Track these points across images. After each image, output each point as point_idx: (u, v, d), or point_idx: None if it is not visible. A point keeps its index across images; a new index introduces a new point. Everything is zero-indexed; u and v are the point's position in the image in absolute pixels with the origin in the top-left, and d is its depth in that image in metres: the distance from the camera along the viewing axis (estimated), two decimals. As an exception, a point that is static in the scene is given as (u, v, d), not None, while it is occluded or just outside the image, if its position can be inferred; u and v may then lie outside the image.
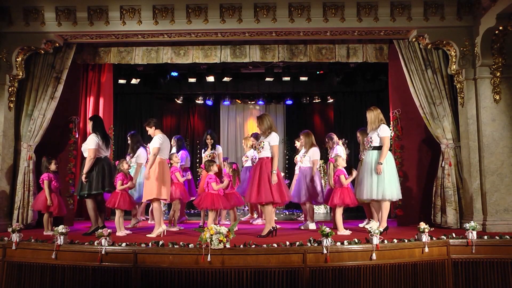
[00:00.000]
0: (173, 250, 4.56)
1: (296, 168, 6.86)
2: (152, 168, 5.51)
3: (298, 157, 6.75)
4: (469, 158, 6.04)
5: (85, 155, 5.78)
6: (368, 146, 5.64)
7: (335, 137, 6.88)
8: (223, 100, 10.96)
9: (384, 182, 5.41)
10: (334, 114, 10.83)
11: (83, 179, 5.55)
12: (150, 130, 5.75)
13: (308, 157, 6.45)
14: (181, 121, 11.52)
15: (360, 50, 6.94)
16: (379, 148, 5.51)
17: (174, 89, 10.26)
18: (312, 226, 6.32)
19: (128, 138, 6.88)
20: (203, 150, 7.26)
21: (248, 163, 7.05)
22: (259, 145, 5.46)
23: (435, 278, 4.87)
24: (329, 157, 6.95)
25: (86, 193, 5.59)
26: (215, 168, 6.00)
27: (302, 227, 6.41)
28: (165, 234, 5.50)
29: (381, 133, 5.51)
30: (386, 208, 5.50)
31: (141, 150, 6.70)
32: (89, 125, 5.86)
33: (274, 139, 5.41)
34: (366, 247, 4.65)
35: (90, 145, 5.63)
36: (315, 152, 6.45)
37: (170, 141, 7.16)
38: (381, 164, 5.39)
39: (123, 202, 5.68)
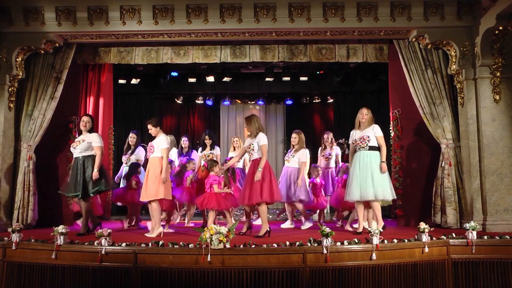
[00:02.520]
0: (173, 250, 4.56)
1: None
2: (154, 169, 5.50)
3: (286, 157, 6.77)
4: (469, 158, 6.04)
5: (74, 150, 5.64)
6: (365, 145, 5.52)
7: (331, 135, 7.03)
8: (223, 100, 10.96)
9: (384, 182, 5.44)
10: (334, 114, 10.85)
11: (96, 176, 5.47)
12: (154, 130, 5.67)
13: (296, 158, 6.48)
14: (181, 121, 11.53)
15: (360, 50, 6.94)
16: (375, 148, 5.49)
17: (174, 89, 10.27)
18: (307, 224, 6.36)
19: (136, 136, 6.99)
20: (199, 150, 7.20)
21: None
22: (249, 148, 5.52)
23: (435, 278, 4.86)
24: (323, 155, 7.01)
25: (103, 188, 5.63)
26: (217, 169, 5.98)
27: (303, 227, 6.43)
28: (161, 235, 5.49)
29: (378, 132, 5.54)
30: (378, 208, 5.49)
31: (140, 149, 6.88)
32: (90, 123, 5.72)
33: (262, 139, 5.48)
34: (366, 247, 4.65)
35: (99, 143, 5.62)
36: (304, 154, 6.52)
37: (179, 142, 7.29)
38: (385, 162, 5.47)
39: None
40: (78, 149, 5.58)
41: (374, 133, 5.53)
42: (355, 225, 6.03)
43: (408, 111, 6.76)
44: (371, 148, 5.50)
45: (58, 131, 6.75)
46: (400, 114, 6.88)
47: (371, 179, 5.40)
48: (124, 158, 7.07)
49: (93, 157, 5.57)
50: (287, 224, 6.62)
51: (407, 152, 6.80)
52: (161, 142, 5.57)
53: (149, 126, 5.67)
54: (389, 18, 6.17)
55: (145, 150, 6.81)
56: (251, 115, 5.78)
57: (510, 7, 5.33)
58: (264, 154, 5.41)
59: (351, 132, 5.74)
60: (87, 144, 5.59)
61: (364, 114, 5.60)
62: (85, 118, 5.72)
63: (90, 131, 5.70)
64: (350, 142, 5.75)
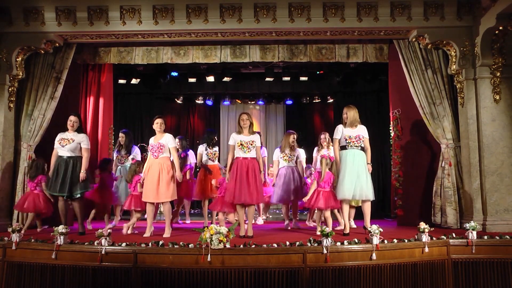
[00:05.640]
0: (173, 250, 4.55)
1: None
2: (168, 169, 5.53)
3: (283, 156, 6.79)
4: (469, 158, 6.04)
5: (62, 148, 5.63)
6: (359, 144, 5.47)
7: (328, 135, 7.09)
8: (223, 100, 10.95)
9: (371, 183, 5.50)
10: (334, 114, 10.83)
11: (84, 177, 5.58)
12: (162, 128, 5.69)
13: (294, 158, 6.65)
14: (181, 121, 11.53)
15: (360, 50, 6.94)
16: (363, 149, 5.50)
17: (174, 89, 10.27)
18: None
19: (124, 135, 6.84)
20: (203, 147, 7.00)
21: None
22: (251, 144, 5.38)
23: (435, 278, 4.86)
24: (322, 155, 7.01)
25: (88, 190, 5.75)
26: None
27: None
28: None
29: (367, 135, 5.55)
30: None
31: (136, 148, 6.89)
32: (77, 123, 5.73)
33: (259, 140, 5.51)
34: (366, 247, 4.65)
35: (88, 145, 5.77)
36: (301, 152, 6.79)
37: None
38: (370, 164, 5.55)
39: None
40: (66, 148, 5.59)
41: (364, 135, 5.53)
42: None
43: (408, 111, 6.76)
44: (362, 148, 5.51)
45: (58, 131, 6.74)
46: (400, 114, 6.88)
47: (367, 179, 5.41)
48: (116, 158, 6.84)
49: (80, 158, 5.64)
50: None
51: (407, 152, 6.80)
52: (170, 141, 5.62)
53: (162, 121, 5.65)
54: (389, 18, 6.17)
55: (140, 149, 6.86)
56: (247, 112, 5.83)
57: (510, 7, 5.33)
58: (261, 156, 5.50)
59: (339, 128, 5.55)
60: (76, 144, 5.64)
61: (344, 113, 5.58)
62: (72, 118, 5.72)
63: (78, 130, 5.74)
64: (338, 137, 5.53)
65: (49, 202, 5.87)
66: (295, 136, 6.76)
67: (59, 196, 5.61)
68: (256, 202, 5.49)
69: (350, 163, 5.41)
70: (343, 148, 5.54)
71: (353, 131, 5.51)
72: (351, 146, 5.46)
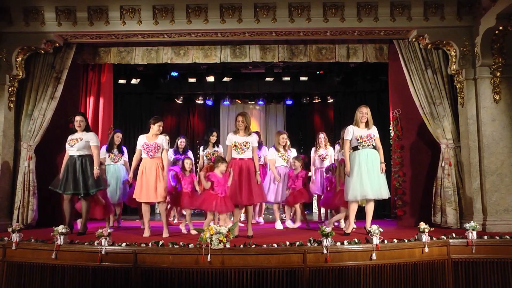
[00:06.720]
0: (173, 250, 4.56)
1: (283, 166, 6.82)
2: (162, 169, 5.56)
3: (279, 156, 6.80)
4: (469, 158, 6.04)
5: (71, 148, 5.65)
6: (371, 143, 5.41)
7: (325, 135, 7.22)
8: (223, 100, 10.96)
9: (385, 181, 5.45)
10: (334, 114, 10.84)
11: (98, 173, 5.62)
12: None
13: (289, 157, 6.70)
14: (181, 121, 11.53)
15: (360, 50, 6.94)
16: (375, 148, 5.46)
17: (174, 89, 10.27)
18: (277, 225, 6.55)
19: (119, 136, 6.81)
20: (202, 148, 7.07)
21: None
22: (245, 146, 5.40)
23: (435, 278, 4.87)
24: (320, 155, 7.01)
25: (103, 187, 5.79)
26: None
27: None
28: None
29: (377, 133, 5.51)
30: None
31: (124, 149, 6.92)
32: (83, 122, 5.74)
33: (255, 140, 5.50)
34: (366, 247, 4.65)
35: (97, 142, 5.78)
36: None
37: (176, 142, 7.27)
38: (384, 163, 5.44)
39: None
40: (75, 148, 5.61)
41: (375, 134, 5.49)
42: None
43: (408, 111, 6.76)
44: (374, 147, 5.45)
45: (58, 131, 6.75)
46: (400, 114, 6.88)
47: (382, 177, 5.38)
48: (109, 157, 6.71)
49: (90, 156, 5.66)
50: (291, 224, 6.62)
51: (407, 152, 6.80)
52: (165, 143, 5.68)
53: (162, 124, 5.67)
54: (389, 18, 6.17)
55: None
56: (246, 112, 5.81)
57: (510, 7, 5.33)
58: (257, 157, 5.50)
59: (350, 129, 5.48)
60: (84, 142, 5.65)
61: (364, 113, 5.46)
62: (78, 118, 5.74)
63: (86, 129, 5.76)
64: (349, 138, 5.47)
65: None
66: (286, 136, 6.79)
67: (66, 195, 5.62)
68: (250, 202, 5.43)
69: (364, 162, 5.33)
70: (355, 149, 5.46)
71: (364, 131, 5.45)
72: (363, 146, 5.39)
